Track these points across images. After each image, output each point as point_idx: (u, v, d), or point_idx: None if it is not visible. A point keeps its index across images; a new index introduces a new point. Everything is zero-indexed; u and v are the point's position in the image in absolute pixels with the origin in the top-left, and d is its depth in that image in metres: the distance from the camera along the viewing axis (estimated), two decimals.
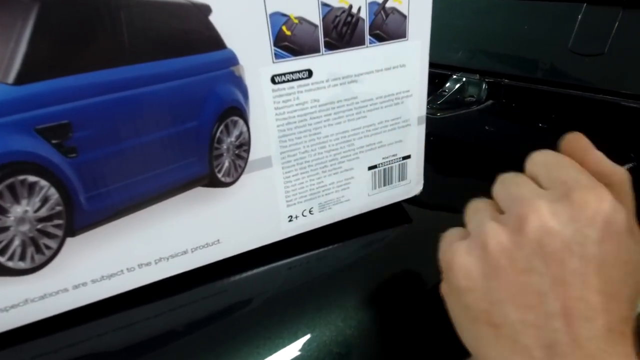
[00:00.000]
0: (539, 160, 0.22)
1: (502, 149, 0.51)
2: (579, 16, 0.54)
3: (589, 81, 0.52)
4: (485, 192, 0.42)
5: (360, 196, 0.32)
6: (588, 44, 0.52)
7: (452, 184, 0.43)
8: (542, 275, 0.19)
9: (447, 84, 0.62)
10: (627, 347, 0.18)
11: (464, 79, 0.61)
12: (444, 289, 0.22)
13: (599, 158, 0.22)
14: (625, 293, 0.19)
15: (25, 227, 0.22)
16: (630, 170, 0.22)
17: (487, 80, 0.59)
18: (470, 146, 0.51)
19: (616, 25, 0.51)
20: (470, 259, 0.20)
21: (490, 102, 0.59)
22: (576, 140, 0.23)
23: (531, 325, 0.19)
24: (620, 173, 0.21)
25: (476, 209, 0.22)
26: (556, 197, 0.19)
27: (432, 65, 0.31)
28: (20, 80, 0.20)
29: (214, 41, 0.23)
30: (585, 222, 0.18)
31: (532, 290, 0.19)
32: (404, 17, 0.28)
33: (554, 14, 0.56)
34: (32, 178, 0.21)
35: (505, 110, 0.58)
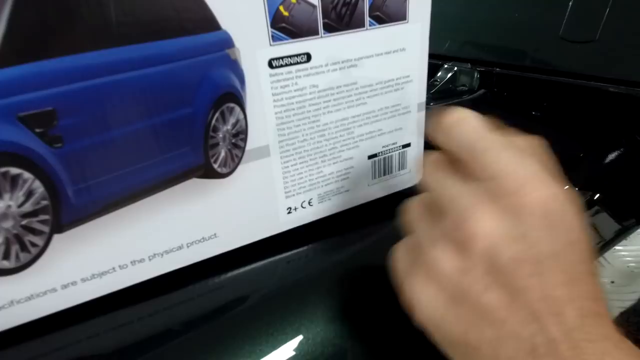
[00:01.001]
0: (463, 139, 0.21)
1: None
2: (570, 3, 0.53)
3: (581, 68, 0.52)
4: None
5: (360, 186, 0.31)
6: (579, 31, 0.52)
7: None
8: (501, 288, 0.18)
9: (439, 74, 0.61)
10: (606, 328, 0.18)
11: (456, 69, 0.61)
12: (417, 322, 0.21)
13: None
14: (585, 273, 0.19)
15: (8, 224, 0.20)
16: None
17: (478, 69, 0.59)
18: None
19: (607, 11, 0.51)
20: (429, 292, 0.20)
21: (482, 91, 0.59)
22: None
23: (507, 337, 0.18)
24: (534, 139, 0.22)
25: (414, 217, 0.22)
26: (493, 198, 0.19)
27: None
28: (0, 63, 0.18)
29: (208, 22, 0.22)
30: (528, 226, 0.18)
31: (497, 305, 0.18)
32: None
33: (544, 1, 0.56)
34: (14, 170, 0.20)
35: (498, 99, 0.58)
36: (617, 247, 0.44)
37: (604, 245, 0.43)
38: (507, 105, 0.57)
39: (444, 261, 0.19)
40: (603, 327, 0.18)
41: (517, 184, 0.19)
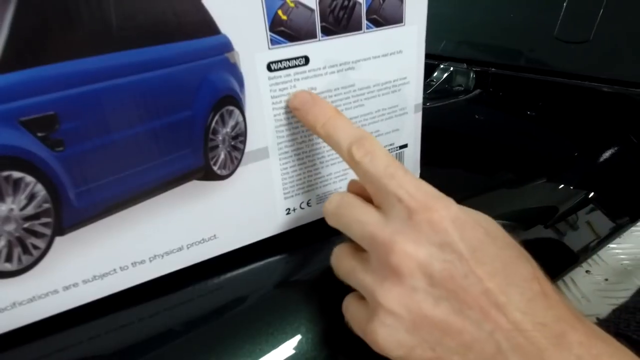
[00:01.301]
0: (367, 174, 0.23)
1: (491, 137, 0.51)
2: (564, 4, 0.54)
3: (575, 68, 0.53)
4: (472, 181, 0.43)
5: None
6: (573, 32, 0.53)
7: (441, 174, 0.43)
8: (446, 299, 0.20)
9: (435, 74, 0.62)
10: (558, 309, 0.19)
11: (452, 69, 0.61)
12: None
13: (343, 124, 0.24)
14: (513, 257, 0.20)
15: (11, 227, 0.21)
16: None
17: (474, 69, 0.59)
18: (459, 135, 0.51)
19: (601, 12, 0.51)
20: (391, 328, 0.20)
21: (477, 91, 0.59)
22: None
23: (472, 343, 0.19)
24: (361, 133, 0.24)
25: (346, 270, 0.23)
26: (404, 224, 0.21)
27: None
28: (2, 68, 0.18)
29: (208, 26, 0.22)
30: (443, 235, 0.20)
31: (451, 316, 0.19)
32: (401, 1, 0.27)
33: (539, 1, 0.57)
34: (16, 174, 0.20)
35: (493, 98, 0.58)
36: (611, 245, 0.45)
37: (598, 243, 0.44)
38: (502, 105, 0.57)
39: (390, 295, 0.20)
40: (554, 309, 0.19)
41: (421, 202, 0.21)
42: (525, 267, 0.20)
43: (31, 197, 0.21)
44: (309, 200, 0.30)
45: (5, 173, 0.20)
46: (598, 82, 0.51)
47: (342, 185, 0.31)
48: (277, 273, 0.29)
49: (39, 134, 0.20)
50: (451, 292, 0.19)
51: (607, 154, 0.48)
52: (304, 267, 0.29)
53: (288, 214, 0.30)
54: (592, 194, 0.44)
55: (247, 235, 0.29)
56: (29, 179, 0.20)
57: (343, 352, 0.25)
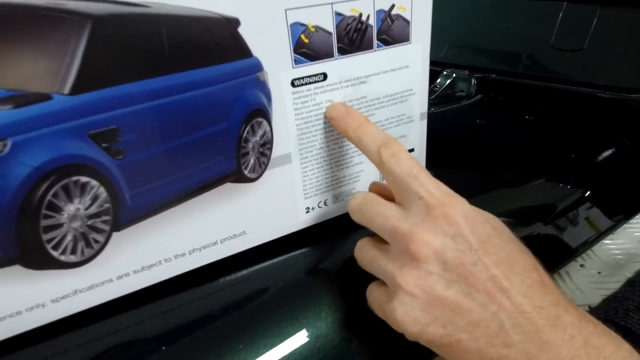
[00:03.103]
0: (391, 174, 0.26)
1: (492, 140, 0.54)
2: (560, 14, 0.57)
3: (571, 75, 0.55)
4: (474, 181, 0.45)
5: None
6: (569, 40, 0.56)
7: (444, 175, 0.46)
8: (457, 282, 0.22)
9: (438, 80, 0.65)
10: (554, 295, 0.22)
11: (454, 75, 0.64)
12: (411, 339, 0.25)
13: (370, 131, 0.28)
14: (516, 250, 0.23)
15: (77, 224, 0.24)
16: None
17: (475, 75, 0.62)
18: (462, 138, 0.54)
19: (594, 23, 0.54)
20: (406, 307, 0.23)
21: (479, 96, 0.62)
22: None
23: (479, 321, 0.22)
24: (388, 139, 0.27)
25: (369, 259, 0.26)
26: (422, 217, 0.24)
27: None
28: (75, 90, 0.22)
29: (242, 50, 0.25)
30: (456, 228, 0.23)
31: (460, 297, 0.22)
32: (408, 22, 0.31)
33: (536, 12, 0.60)
34: (84, 179, 0.23)
35: (493, 103, 0.61)
36: (605, 241, 0.48)
37: (595, 238, 0.47)
38: (502, 110, 0.60)
39: (408, 278, 0.23)
40: (550, 295, 0.22)
41: (439, 199, 0.24)
42: (526, 259, 0.23)
43: (95, 198, 0.24)
44: (326, 200, 0.34)
45: (75, 178, 0.23)
46: (592, 87, 0.53)
47: (356, 186, 0.34)
48: (298, 265, 0.32)
49: (103, 145, 0.23)
50: (461, 277, 0.22)
51: (601, 156, 0.51)
52: (322, 260, 0.32)
53: (308, 212, 0.33)
54: (588, 192, 0.47)
55: (272, 232, 0.32)
56: (93, 182, 0.24)
57: (358, 335, 0.28)
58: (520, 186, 0.44)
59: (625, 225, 0.49)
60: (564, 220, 0.44)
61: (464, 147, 0.51)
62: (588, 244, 0.46)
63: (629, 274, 0.42)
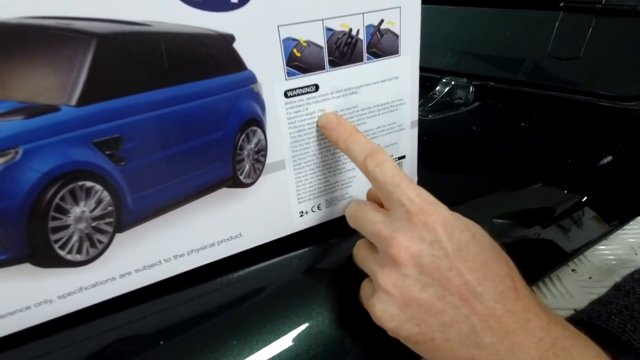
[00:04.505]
0: (379, 182, 0.27)
1: (490, 146, 0.55)
2: (556, 23, 0.58)
3: (567, 83, 0.56)
4: (473, 186, 0.46)
5: (361, 193, 0.36)
6: (565, 49, 0.57)
7: (444, 179, 0.47)
8: (432, 286, 0.24)
9: (437, 88, 0.66)
10: (526, 301, 0.23)
11: (453, 83, 0.65)
12: (390, 333, 0.26)
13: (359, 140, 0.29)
14: (493, 258, 0.24)
15: (82, 225, 0.26)
16: None
17: (474, 83, 0.63)
18: (460, 145, 0.55)
19: (590, 31, 0.55)
20: (384, 305, 0.25)
21: (477, 103, 0.63)
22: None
23: (452, 323, 0.23)
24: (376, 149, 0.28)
25: (361, 258, 0.28)
26: (403, 224, 0.25)
27: (423, 69, 0.35)
28: (81, 102, 0.24)
29: (237, 64, 0.27)
30: (434, 234, 0.24)
31: (435, 299, 0.24)
32: (397, 36, 0.32)
33: (533, 21, 0.61)
34: (89, 183, 0.25)
35: (491, 111, 0.62)
36: (598, 246, 0.48)
37: (588, 243, 0.48)
38: (500, 117, 0.61)
39: (387, 279, 0.25)
40: (522, 300, 0.23)
41: (419, 207, 0.25)
42: (502, 266, 0.24)
43: (99, 202, 0.26)
44: (320, 204, 0.35)
45: (81, 183, 0.25)
46: (588, 95, 0.54)
47: (348, 192, 0.36)
48: (292, 267, 0.33)
49: (107, 152, 0.25)
50: (437, 280, 0.24)
51: (597, 162, 0.52)
52: (315, 262, 0.34)
53: (301, 216, 0.35)
54: (585, 198, 0.48)
55: (267, 234, 0.34)
56: (98, 187, 0.26)
57: (347, 333, 0.30)
58: (517, 190, 0.45)
59: (619, 231, 0.50)
60: (560, 224, 0.45)
61: (463, 153, 0.52)
62: (583, 248, 0.47)
63: (618, 279, 0.43)
